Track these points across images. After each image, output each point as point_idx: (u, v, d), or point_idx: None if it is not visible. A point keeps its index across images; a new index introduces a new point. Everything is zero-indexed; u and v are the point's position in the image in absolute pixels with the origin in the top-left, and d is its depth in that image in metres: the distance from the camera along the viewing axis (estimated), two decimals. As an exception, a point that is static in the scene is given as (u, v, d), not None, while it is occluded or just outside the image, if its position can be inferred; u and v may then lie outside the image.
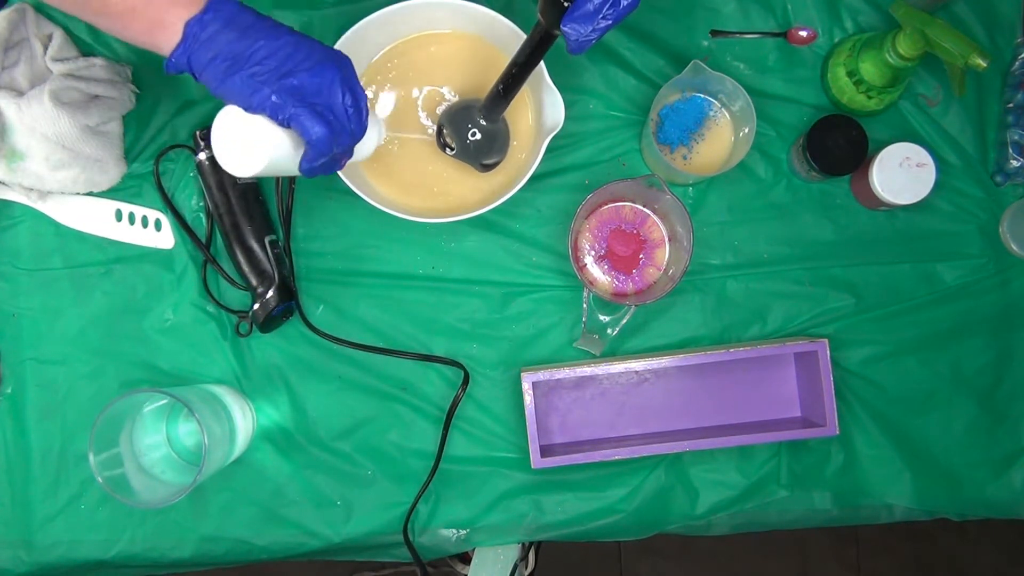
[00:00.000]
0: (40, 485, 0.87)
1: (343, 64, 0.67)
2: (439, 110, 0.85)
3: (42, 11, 0.85)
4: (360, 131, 0.68)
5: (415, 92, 0.85)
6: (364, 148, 0.75)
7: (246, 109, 0.65)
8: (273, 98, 0.63)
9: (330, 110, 0.65)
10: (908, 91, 0.87)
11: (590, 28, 0.63)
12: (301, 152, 0.67)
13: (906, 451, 0.87)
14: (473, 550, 0.90)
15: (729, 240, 0.88)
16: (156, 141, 0.88)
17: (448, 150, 0.82)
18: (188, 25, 0.63)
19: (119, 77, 0.85)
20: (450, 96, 0.85)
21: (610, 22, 0.63)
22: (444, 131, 0.81)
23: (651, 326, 0.88)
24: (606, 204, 0.86)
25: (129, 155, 0.88)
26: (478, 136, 0.80)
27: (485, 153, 0.81)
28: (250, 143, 0.65)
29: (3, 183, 0.84)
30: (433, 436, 0.87)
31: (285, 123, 0.65)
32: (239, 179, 0.81)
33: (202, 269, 0.87)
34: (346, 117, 0.66)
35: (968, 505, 0.87)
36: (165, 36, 0.64)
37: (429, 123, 0.85)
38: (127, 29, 0.65)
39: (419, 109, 0.85)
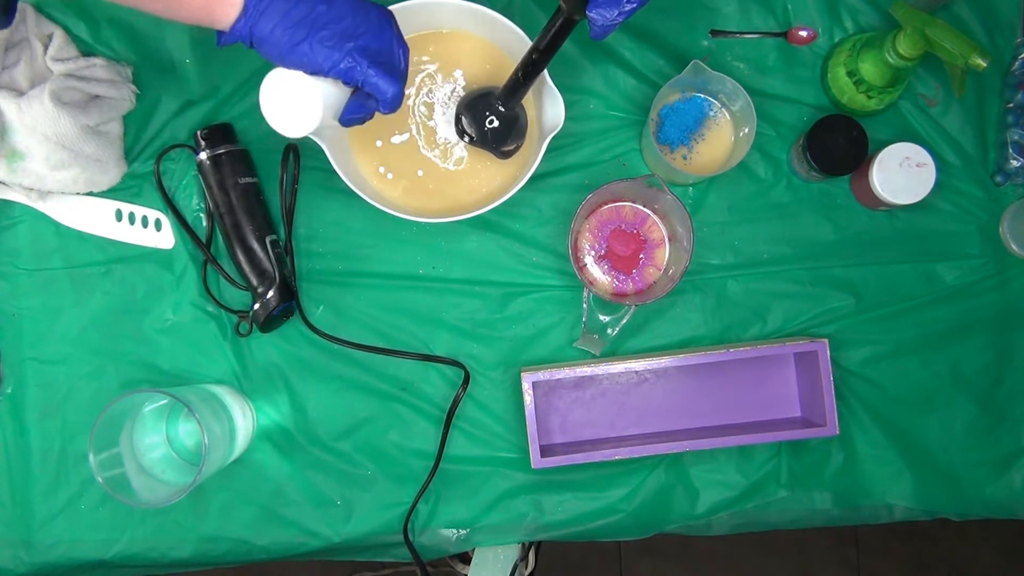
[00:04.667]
0: (40, 485, 0.87)
1: (393, 21, 0.70)
2: (438, 103, 0.85)
3: (42, 11, 0.85)
4: (405, 84, 0.71)
5: (414, 91, 0.85)
6: None
7: (315, 73, 0.67)
8: (346, 61, 0.66)
9: (393, 67, 0.68)
10: (908, 91, 0.87)
11: (616, 12, 0.64)
12: (343, 105, 0.71)
13: (906, 451, 0.87)
14: (473, 550, 0.90)
15: (729, 240, 0.88)
16: (156, 141, 0.88)
17: (466, 137, 0.82)
18: None
19: (119, 77, 0.85)
20: (450, 95, 0.85)
21: (635, 5, 0.63)
22: (462, 119, 0.81)
23: (651, 326, 0.88)
24: (606, 204, 0.86)
25: (129, 155, 0.88)
26: (496, 123, 0.80)
27: (503, 140, 0.81)
28: (303, 103, 0.68)
29: (3, 183, 0.84)
30: (433, 436, 0.87)
31: (356, 84, 0.67)
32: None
33: (202, 269, 0.87)
34: (402, 73, 0.69)
35: (968, 505, 0.87)
36: (223, 9, 0.64)
37: (429, 123, 0.85)
38: (183, 7, 0.65)
39: (419, 108, 0.85)
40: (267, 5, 0.64)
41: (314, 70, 0.66)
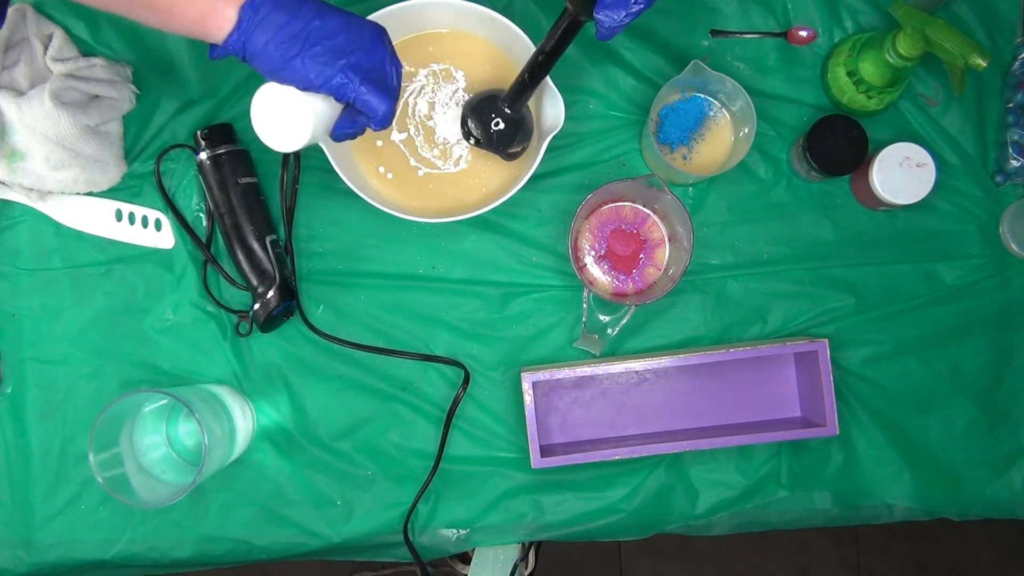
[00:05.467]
0: (40, 485, 0.87)
1: (386, 38, 0.69)
2: (439, 103, 0.85)
3: (42, 11, 0.85)
4: (397, 102, 0.70)
5: (416, 90, 0.85)
6: None
7: (307, 89, 0.66)
8: (339, 78, 0.65)
9: (385, 85, 0.68)
10: (908, 91, 0.87)
11: (623, 14, 0.64)
12: (334, 120, 0.70)
13: (906, 451, 0.87)
14: (473, 550, 0.90)
15: (729, 240, 0.88)
16: (156, 141, 0.88)
17: (472, 140, 0.82)
18: (243, 10, 0.63)
19: (119, 77, 0.85)
20: (451, 95, 0.85)
21: (642, 6, 0.64)
22: (468, 121, 0.81)
23: (651, 326, 0.88)
24: (606, 204, 0.86)
25: (129, 155, 0.88)
26: (502, 126, 0.80)
27: (509, 142, 0.81)
28: (294, 118, 0.67)
29: (3, 183, 0.84)
30: (433, 436, 0.87)
31: (348, 100, 0.67)
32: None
33: (202, 269, 0.87)
34: (394, 90, 0.69)
35: (968, 505, 0.87)
36: (216, 23, 0.64)
37: (429, 123, 0.85)
38: (176, 19, 0.64)
39: (419, 108, 0.85)
40: (261, 19, 0.64)
41: (306, 85, 0.66)
